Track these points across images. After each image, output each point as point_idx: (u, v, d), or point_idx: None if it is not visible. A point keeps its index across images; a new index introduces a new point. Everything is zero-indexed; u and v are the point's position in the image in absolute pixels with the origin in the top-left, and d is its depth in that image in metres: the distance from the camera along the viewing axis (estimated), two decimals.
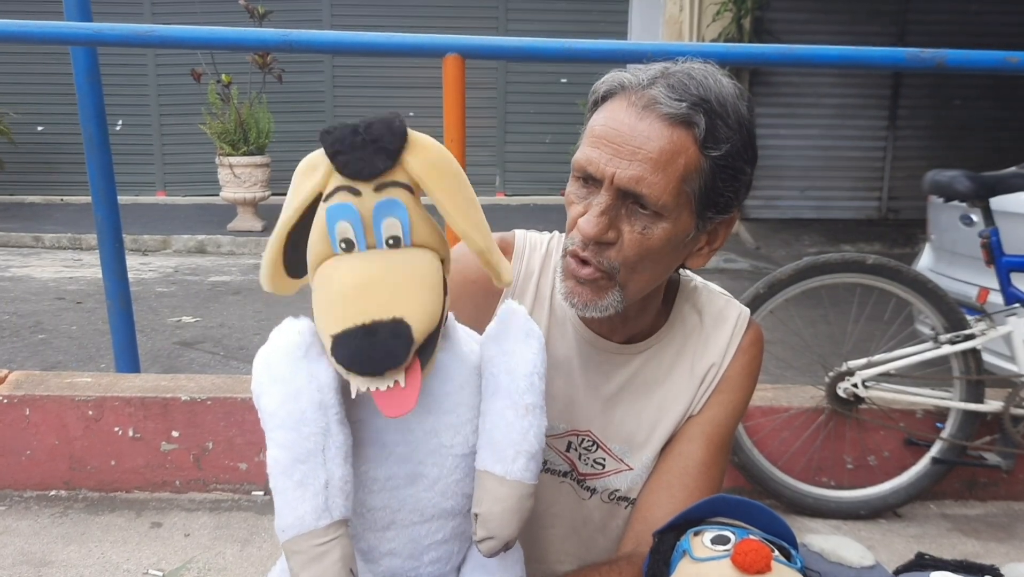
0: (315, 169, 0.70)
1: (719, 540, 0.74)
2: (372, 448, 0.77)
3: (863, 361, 2.26)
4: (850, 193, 8.18)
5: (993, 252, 2.29)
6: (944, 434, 2.30)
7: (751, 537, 0.73)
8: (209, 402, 2.28)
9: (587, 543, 1.10)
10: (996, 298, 2.33)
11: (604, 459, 1.05)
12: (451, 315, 0.81)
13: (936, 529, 2.28)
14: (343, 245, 0.68)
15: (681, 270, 1.06)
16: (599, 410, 1.04)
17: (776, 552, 0.72)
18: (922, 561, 0.84)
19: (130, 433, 2.27)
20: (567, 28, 8.38)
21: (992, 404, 2.24)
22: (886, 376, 2.25)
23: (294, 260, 0.74)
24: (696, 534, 0.77)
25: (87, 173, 2.49)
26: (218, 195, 7.27)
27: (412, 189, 0.70)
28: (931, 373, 2.33)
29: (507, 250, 1.07)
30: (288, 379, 0.70)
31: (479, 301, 1.00)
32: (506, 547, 0.77)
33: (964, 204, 2.37)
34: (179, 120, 8.51)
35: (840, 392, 2.27)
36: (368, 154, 0.67)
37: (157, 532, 2.12)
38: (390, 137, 0.67)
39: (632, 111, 0.86)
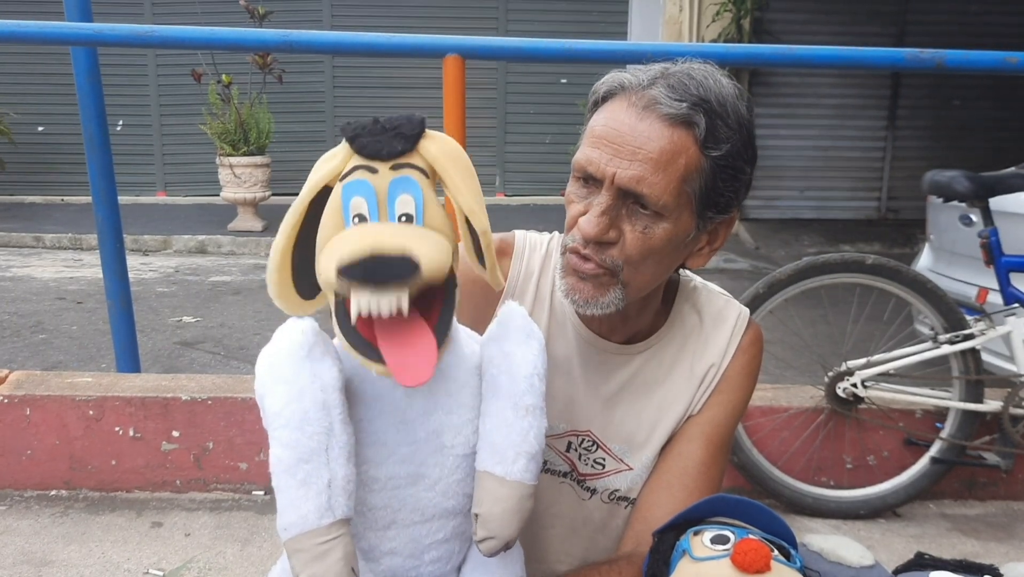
0: (333, 157, 0.72)
1: (719, 540, 0.74)
2: (374, 448, 0.77)
3: (862, 361, 2.26)
4: (849, 193, 8.19)
5: (992, 252, 2.30)
6: (943, 434, 2.30)
7: (751, 537, 0.73)
8: (209, 402, 2.28)
9: (587, 543, 1.10)
10: (995, 298, 2.34)
11: (604, 459, 1.05)
12: None
13: (936, 529, 2.28)
14: (356, 220, 0.69)
15: (681, 270, 1.06)
16: (599, 410, 1.04)
17: (776, 552, 0.73)
18: (922, 561, 0.84)
19: (130, 433, 2.28)
20: (567, 28, 8.38)
21: (991, 404, 2.24)
22: (885, 376, 2.25)
23: (302, 276, 0.74)
24: (696, 534, 0.77)
25: (87, 173, 2.49)
26: (218, 195, 7.27)
27: (428, 175, 0.71)
28: (930, 373, 2.33)
29: (507, 251, 1.07)
30: (292, 379, 0.70)
31: (479, 302, 1.00)
32: (506, 547, 0.77)
33: (963, 204, 2.37)
34: (179, 120, 8.52)
35: (839, 392, 2.27)
36: (387, 138, 0.69)
37: (157, 532, 2.13)
38: (409, 125, 0.70)
39: (632, 111, 0.87)
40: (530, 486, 0.78)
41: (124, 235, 2.65)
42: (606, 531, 1.09)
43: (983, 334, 2.21)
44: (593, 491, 1.07)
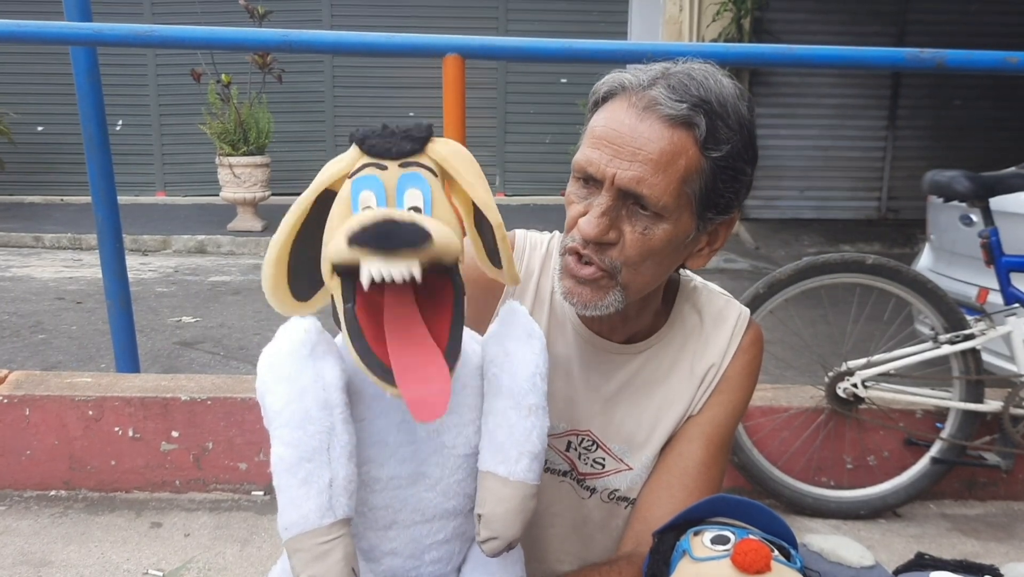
0: (341, 160, 0.73)
1: (719, 540, 0.74)
2: (375, 448, 0.77)
3: (863, 361, 2.26)
4: (850, 193, 8.19)
5: (993, 252, 2.30)
6: (944, 434, 2.30)
7: (751, 537, 0.73)
8: (209, 402, 2.28)
9: (587, 543, 1.10)
10: (996, 298, 2.34)
11: (604, 459, 1.05)
12: None
13: (936, 529, 2.28)
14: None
15: (681, 270, 1.06)
16: (599, 410, 1.04)
17: (776, 552, 0.73)
18: (922, 561, 0.84)
19: (130, 433, 2.28)
20: (567, 28, 8.38)
21: (992, 404, 2.24)
22: (886, 376, 2.25)
23: (298, 276, 0.74)
24: (696, 534, 0.77)
25: (87, 173, 2.49)
26: (218, 195, 7.27)
27: (436, 175, 0.72)
28: (931, 373, 2.33)
29: None
30: (294, 377, 0.70)
31: (480, 301, 1.00)
32: (509, 547, 0.77)
33: (964, 204, 2.37)
34: (179, 120, 8.51)
35: (840, 392, 2.27)
36: (396, 139, 0.71)
37: (157, 532, 2.12)
38: (417, 129, 0.72)
39: (633, 112, 0.87)
40: (533, 486, 0.78)
41: (124, 235, 2.65)
42: (606, 531, 1.09)
43: (983, 334, 2.20)
44: (593, 491, 1.07)
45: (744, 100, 0.89)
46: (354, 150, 0.72)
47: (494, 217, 0.75)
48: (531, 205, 8.64)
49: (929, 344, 2.24)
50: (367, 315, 0.69)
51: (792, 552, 0.76)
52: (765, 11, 7.46)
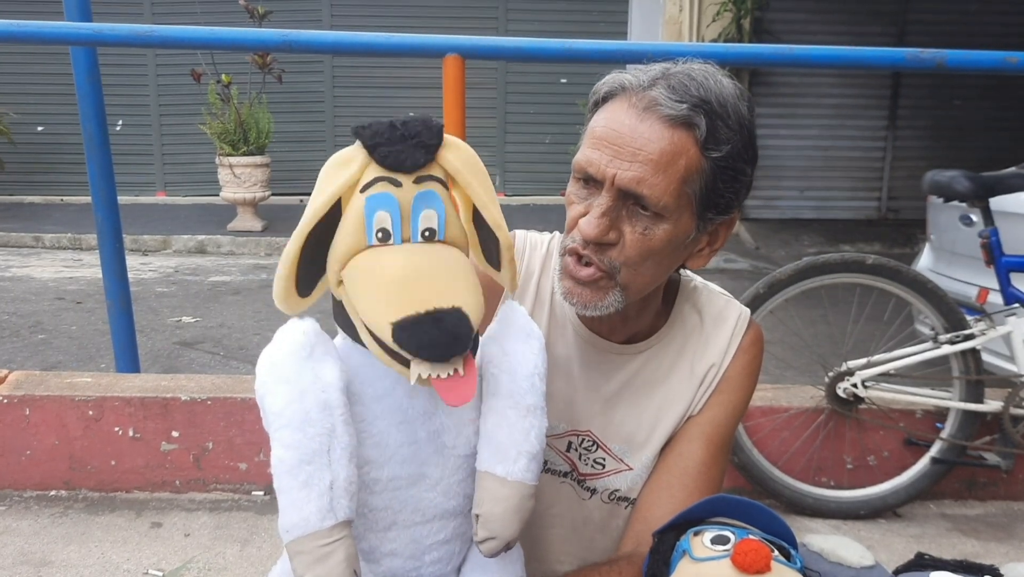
0: (349, 162, 0.70)
1: (719, 540, 0.74)
2: (375, 449, 0.77)
3: (863, 361, 2.26)
4: (850, 193, 8.19)
5: (993, 252, 2.30)
6: (944, 434, 2.30)
7: (751, 537, 0.73)
8: (209, 402, 2.28)
9: (587, 543, 1.10)
10: (996, 298, 2.34)
11: (604, 459, 1.05)
12: None
13: (936, 529, 2.28)
14: (379, 235, 0.69)
15: (681, 270, 1.06)
16: (599, 410, 1.04)
17: (776, 552, 0.73)
18: (922, 561, 0.84)
19: (130, 433, 2.28)
20: (567, 28, 8.38)
21: (992, 404, 2.24)
22: (886, 376, 2.25)
23: (303, 275, 0.73)
24: (696, 534, 0.77)
25: (87, 173, 2.49)
26: (218, 195, 7.27)
27: (446, 185, 0.72)
28: (931, 373, 2.33)
29: None
30: (294, 379, 0.70)
31: None
32: (507, 547, 0.77)
33: (964, 204, 2.37)
34: (179, 120, 8.51)
35: (840, 392, 2.27)
36: (409, 147, 0.69)
37: (157, 532, 2.12)
38: (428, 133, 0.70)
39: (633, 112, 0.87)
40: (531, 486, 0.78)
41: (124, 235, 2.65)
42: (606, 531, 1.09)
43: (983, 334, 2.20)
44: (593, 491, 1.07)
45: (744, 100, 0.89)
46: (361, 152, 0.70)
47: (504, 237, 0.75)
48: (531, 205, 8.64)
49: (929, 344, 2.24)
50: None
51: (792, 552, 0.75)
52: (765, 11, 7.46)
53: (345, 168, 0.70)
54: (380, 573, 0.82)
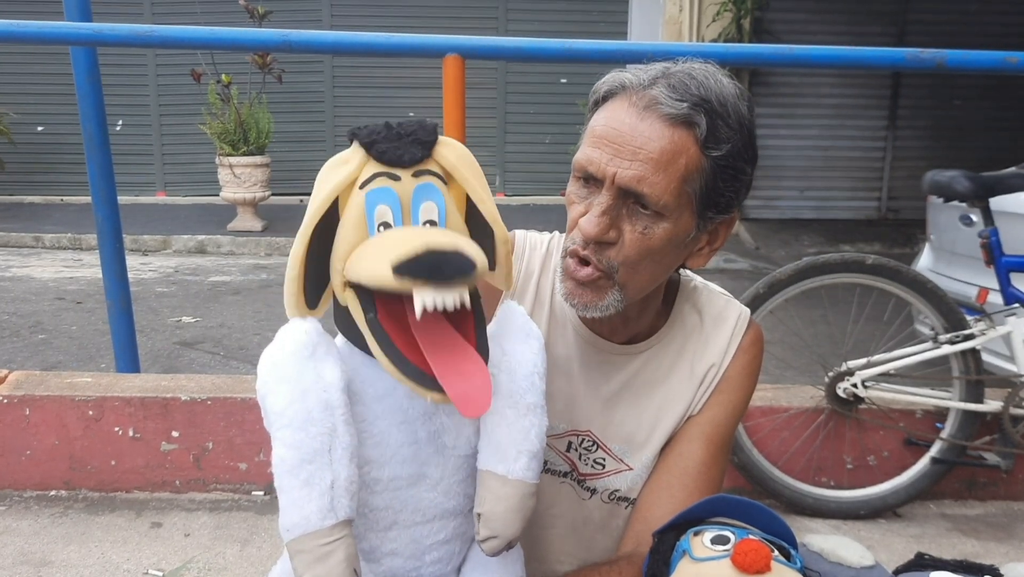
0: (347, 161, 0.72)
1: (719, 540, 0.74)
2: (376, 449, 0.77)
3: (863, 361, 2.26)
4: (850, 193, 8.19)
5: (993, 252, 2.30)
6: (944, 434, 2.30)
7: (751, 537, 0.73)
8: (209, 402, 2.28)
9: (587, 543, 1.10)
10: (996, 298, 2.34)
11: (604, 459, 1.05)
12: None
13: (936, 529, 2.28)
14: (381, 229, 0.69)
15: (681, 270, 1.06)
16: (599, 410, 1.04)
17: (776, 552, 0.73)
18: (922, 561, 0.84)
19: (130, 433, 2.28)
20: (567, 28, 8.38)
21: (992, 404, 2.24)
22: (886, 376, 2.25)
23: (309, 282, 0.74)
24: (696, 534, 0.77)
25: (87, 173, 2.49)
26: (218, 195, 7.27)
27: (445, 181, 0.73)
28: (931, 373, 2.33)
29: None
30: (295, 379, 0.70)
31: None
32: (508, 546, 0.77)
33: (964, 204, 2.37)
34: (179, 120, 8.51)
35: (840, 392, 2.27)
36: (405, 144, 0.70)
37: (157, 532, 2.12)
38: (424, 131, 0.72)
39: (633, 111, 0.87)
40: (532, 485, 0.78)
41: (124, 235, 2.65)
42: (606, 531, 1.09)
43: (983, 334, 2.20)
44: (593, 491, 1.07)
45: (744, 100, 0.89)
46: (358, 151, 0.71)
47: (500, 231, 0.76)
48: (531, 205, 8.64)
49: (929, 344, 2.24)
50: (391, 322, 0.69)
51: (792, 552, 0.75)
52: (765, 11, 7.46)
53: (343, 166, 0.71)
54: (380, 573, 0.82)
